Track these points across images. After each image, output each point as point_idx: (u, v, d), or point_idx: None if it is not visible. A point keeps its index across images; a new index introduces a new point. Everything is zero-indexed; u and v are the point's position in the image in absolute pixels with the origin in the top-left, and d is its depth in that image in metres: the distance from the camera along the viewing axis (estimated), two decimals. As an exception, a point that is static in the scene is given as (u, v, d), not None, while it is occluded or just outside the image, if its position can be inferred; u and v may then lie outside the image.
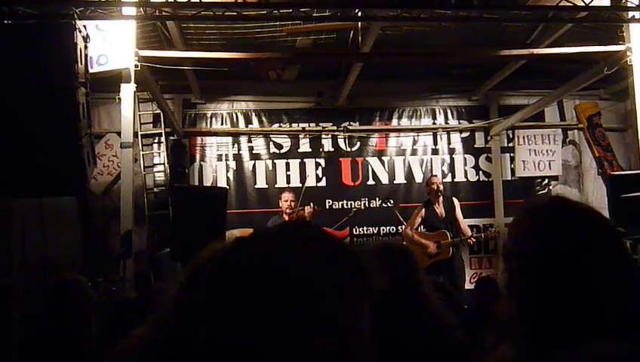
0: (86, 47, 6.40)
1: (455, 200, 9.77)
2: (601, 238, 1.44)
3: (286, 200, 9.44)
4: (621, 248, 1.47)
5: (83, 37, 6.31)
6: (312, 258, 1.05)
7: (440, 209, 9.45)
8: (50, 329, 3.44)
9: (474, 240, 9.62)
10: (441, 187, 9.60)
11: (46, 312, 3.58)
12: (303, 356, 0.98)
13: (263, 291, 0.99)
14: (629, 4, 7.37)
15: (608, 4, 7.50)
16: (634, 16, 7.55)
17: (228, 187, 11.10)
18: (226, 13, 6.96)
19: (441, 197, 9.50)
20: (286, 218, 9.35)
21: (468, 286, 10.62)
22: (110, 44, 7.85)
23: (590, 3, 7.08)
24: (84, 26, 6.53)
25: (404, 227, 9.88)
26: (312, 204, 9.43)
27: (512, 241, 1.52)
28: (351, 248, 1.13)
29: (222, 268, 1.04)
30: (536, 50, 8.97)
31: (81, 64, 6.21)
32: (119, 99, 7.88)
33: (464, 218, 9.89)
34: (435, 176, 10.35)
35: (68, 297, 3.69)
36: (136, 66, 7.67)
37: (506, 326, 1.44)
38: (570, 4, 7.05)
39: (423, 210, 9.60)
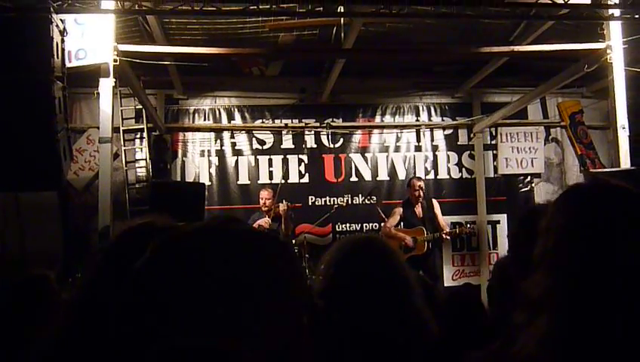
0: (63, 41, 6.36)
1: (434, 201, 9.80)
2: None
3: (262, 198, 9.50)
4: None
5: (60, 31, 6.27)
6: (246, 250, 1.04)
7: (419, 209, 9.49)
8: (11, 328, 3.38)
9: (448, 236, 9.61)
10: (423, 191, 9.59)
11: (8, 310, 3.52)
12: (245, 348, 0.97)
13: (199, 283, 0.98)
14: (608, 2, 7.38)
15: (589, 1, 7.50)
16: (613, 14, 7.57)
17: (210, 183, 11.10)
18: (205, 8, 6.93)
19: (421, 199, 9.53)
20: (265, 216, 9.38)
21: (449, 283, 10.70)
22: (89, 38, 7.78)
23: (569, 0, 7.09)
24: (62, 20, 6.49)
25: (382, 224, 9.88)
26: (284, 201, 9.41)
27: (550, 217, 1.52)
28: (283, 239, 1.14)
29: (153, 263, 1.03)
30: (516, 48, 8.98)
31: (58, 58, 6.16)
32: (98, 93, 7.85)
33: (447, 215, 9.91)
34: (418, 178, 10.14)
35: (32, 294, 3.63)
36: (115, 61, 7.63)
37: (540, 302, 1.42)
38: (549, 2, 7.07)
39: (402, 209, 9.63)
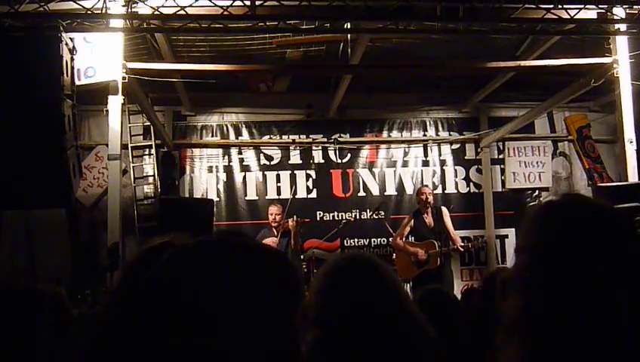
0: (72, 59, 6.42)
1: (444, 209, 9.76)
2: (614, 234, 1.40)
3: (271, 214, 9.46)
4: (634, 245, 1.41)
5: (69, 49, 6.33)
6: (242, 260, 1.13)
7: (429, 219, 9.45)
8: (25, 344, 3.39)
9: (461, 249, 9.57)
10: (431, 198, 9.60)
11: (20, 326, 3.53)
12: (248, 353, 1.05)
13: (212, 293, 1.06)
14: (614, 17, 7.40)
15: (595, 17, 7.53)
16: (619, 28, 7.59)
17: (218, 199, 11.12)
18: (213, 25, 6.98)
19: (430, 208, 9.50)
20: (274, 231, 9.36)
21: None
22: (98, 56, 7.85)
23: (576, 15, 7.11)
24: (71, 39, 6.56)
25: (393, 237, 9.87)
26: (294, 217, 9.41)
27: (523, 235, 1.49)
28: (283, 255, 1.22)
29: (164, 275, 1.10)
30: (523, 62, 9.01)
31: (67, 76, 6.22)
32: (107, 111, 7.89)
33: (455, 229, 9.87)
34: (426, 186, 10.32)
35: (44, 311, 3.64)
36: (123, 78, 7.69)
37: (513, 324, 1.39)
38: (555, 17, 7.09)
39: (412, 220, 9.60)
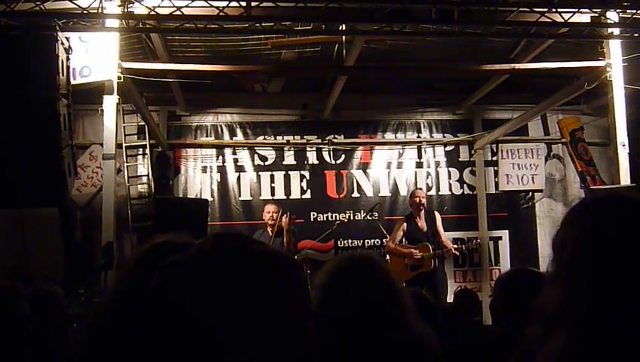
0: (68, 58, 6.42)
1: (436, 213, 9.81)
2: None
3: (268, 212, 9.47)
4: None
5: (65, 48, 6.33)
6: (260, 266, 1.10)
7: (422, 222, 9.47)
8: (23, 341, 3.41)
9: (456, 252, 9.62)
10: (424, 201, 9.64)
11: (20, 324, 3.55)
12: (263, 352, 1.04)
13: (223, 296, 1.04)
14: (608, 21, 7.44)
15: (589, 20, 7.57)
16: (613, 32, 7.64)
17: (212, 199, 11.12)
18: (209, 26, 7.00)
19: (423, 211, 9.52)
20: (269, 230, 9.35)
21: (450, 299, 10.66)
22: (93, 55, 7.86)
23: (570, 19, 7.16)
24: (67, 38, 6.56)
25: (386, 241, 9.88)
26: (288, 213, 9.43)
27: (565, 230, 1.49)
28: (291, 256, 1.20)
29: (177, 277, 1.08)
30: (517, 65, 9.06)
31: (63, 75, 6.22)
32: (102, 110, 7.90)
33: (448, 231, 9.90)
34: (420, 189, 10.38)
35: (44, 309, 3.67)
36: (119, 78, 7.68)
37: (556, 317, 1.39)
38: (549, 20, 7.13)
39: (405, 223, 9.63)
